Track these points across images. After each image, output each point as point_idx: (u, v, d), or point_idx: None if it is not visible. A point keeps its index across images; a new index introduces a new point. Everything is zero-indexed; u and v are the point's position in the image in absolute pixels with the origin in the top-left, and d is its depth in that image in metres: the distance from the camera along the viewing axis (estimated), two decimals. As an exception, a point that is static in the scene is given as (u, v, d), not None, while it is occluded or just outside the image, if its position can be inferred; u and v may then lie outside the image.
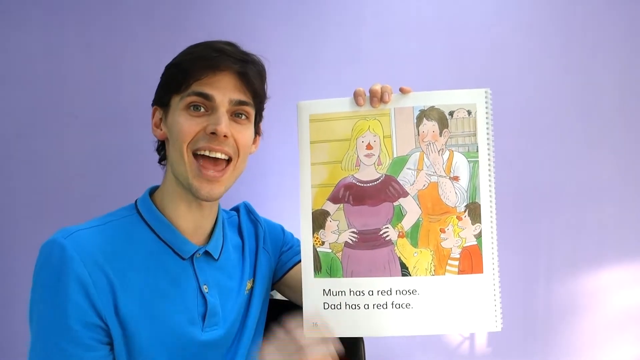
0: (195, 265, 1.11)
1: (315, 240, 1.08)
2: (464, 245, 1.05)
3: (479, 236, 1.05)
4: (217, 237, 1.17)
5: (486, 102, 1.05)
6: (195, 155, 1.05)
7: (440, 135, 1.05)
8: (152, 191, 1.15)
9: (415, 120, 1.05)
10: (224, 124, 1.04)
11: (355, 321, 1.06)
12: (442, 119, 1.05)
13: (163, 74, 1.12)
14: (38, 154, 1.43)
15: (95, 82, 1.44)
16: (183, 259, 1.09)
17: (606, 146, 1.56)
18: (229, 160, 1.08)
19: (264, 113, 1.19)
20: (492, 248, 1.05)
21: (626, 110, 1.57)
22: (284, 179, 1.57)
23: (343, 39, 1.65)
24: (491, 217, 1.05)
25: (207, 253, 1.13)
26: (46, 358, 0.96)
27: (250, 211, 1.33)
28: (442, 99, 1.05)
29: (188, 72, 1.05)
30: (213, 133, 1.03)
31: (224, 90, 1.05)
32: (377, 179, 1.07)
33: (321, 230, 1.08)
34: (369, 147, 1.07)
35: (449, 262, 1.05)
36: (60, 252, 0.96)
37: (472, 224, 1.05)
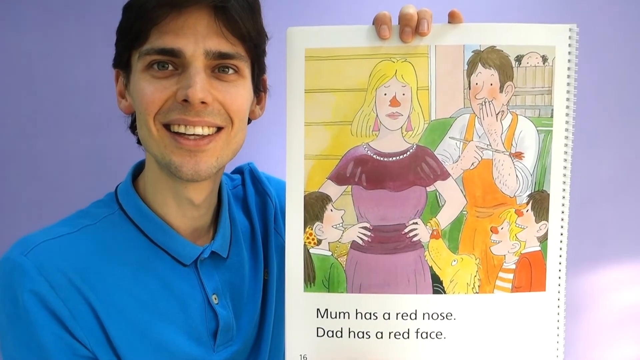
0: (201, 271, 0.84)
1: (308, 238, 0.74)
2: (523, 251, 0.73)
3: (544, 239, 0.73)
4: (224, 229, 0.88)
5: (570, 47, 0.71)
6: (168, 131, 0.76)
7: (501, 91, 0.71)
8: (136, 173, 0.87)
9: (466, 67, 0.70)
10: (199, 86, 0.72)
11: (362, 355, 0.74)
12: (506, 67, 0.70)
13: (119, 24, 0.80)
14: (38, 154, 1.45)
15: (95, 82, 1.41)
16: (184, 265, 0.83)
17: (606, 146, 1.50)
18: (219, 129, 0.77)
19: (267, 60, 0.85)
20: (560, 256, 0.74)
21: (626, 110, 1.49)
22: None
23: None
24: (562, 212, 0.73)
25: (213, 253, 0.86)
26: None
27: (256, 178, 1.01)
28: (508, 35, 0.70)
29: (143, 14, 0.73)
30: (185, 100, 0.72)
31: (195, 37, 0.73)
32: (405, 152, 0.72)
33: (317, 223, 0.74)
34: (394, 102, 0.71)
35: (500, 274, 0.73)
36: (20, 277, 0.73)
37: (537, 222, 0.73)
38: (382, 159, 0.72)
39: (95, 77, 1.38)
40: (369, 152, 0.72)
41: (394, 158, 0.72)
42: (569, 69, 0.71)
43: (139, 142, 0.82)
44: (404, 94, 0.71)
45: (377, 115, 0.72)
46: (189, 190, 0.80)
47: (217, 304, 0.85)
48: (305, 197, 0.73)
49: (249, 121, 0.85)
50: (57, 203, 1.42)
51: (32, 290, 0.72)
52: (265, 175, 1.02)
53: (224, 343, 0.85)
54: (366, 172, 0.72)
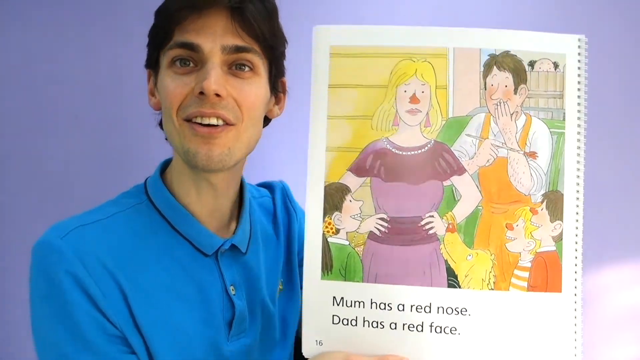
0: (221, 262, 0.88)
1: (327, 227, 0.76)
2: (539, 250, 0.74)
3: (559, 239, 0.74)
4: (245, 226, 0.92)
5: (579, 55, 0.76)
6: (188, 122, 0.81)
7: (515, 93, 0.75)
8: (164, 168, 0.92)
9: (482, 69, 0.75)
10: (213, 79, 0.77)
11: (375, 345, 0.74)
12: (519, 71, 0.75)
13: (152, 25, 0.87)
14: (38, 154, 1.43)
15: (95, 82, 1.41)
16: (206, 255, 0.87)
17: (606, 146, 1.47)
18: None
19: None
20: (576, 258, 0.74)
21: (627, 109, 1.48)
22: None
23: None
24: (577, 213, 0.75)
25: (233, 247, 0.89)
26: None
27: (288, 197, 1.08)
28: (521, 42, 0.75)
29: (169, 17, 0.81)
30: (202, 93, 0.78)
31: (213, 36, 0.79)
32: (424, 146, 0.75)
33: (336, 213, 0.76)
34: (414, 100, 0.75)
35: (516, 272, 0.74)
36: (57, 258, 0.77)
37: (551, 222, 0.74)
38: (400, 152, 0.75)
39: (96, 77, 1.39)
40: (388, 146, 0.75)
41: (413, 152, 0.75)
42: (579, 75, 0.75)
43: (167, 138, 0.86)
44: (423, 92, 0.75)
45: (397, 111, 0.75)
46: (210, 176, 0.84)
47: (235, 294, 0.88)
48: (325, 187, 0.76)
49: (269, 120, 0.91)
50: (58, 203, 1.42)
51: (68, 271, 0.76)
52: (294, 200, 1.08)
53: (237, 334, 0.88)
54: (385, 165, 0.75)
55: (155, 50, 0.85)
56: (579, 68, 0.75)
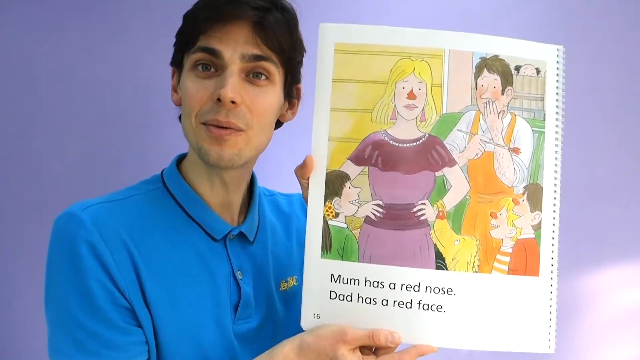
0: (229, 247, 0.94)
1: (327, 211, 0.82)
2: (519, 237, 0.81)
3: (537, 228, 0.82)
4: (253, 216, 0.99)
5: (557, 63, 0.83)
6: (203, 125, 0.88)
7: (503, 94, 0.82)
8: (180, 160, 0.98)
9: (474, 70, 0.82)
10: (230, 87, 0.83)
11: (368, 319, 0.79)
12: (507, 74, 0.82)
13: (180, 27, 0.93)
14: (38, 154, 1.43)
15: (95, 82, 1.41)
16: (215, 240, 0.93)
17: (607, 147, 1.51)
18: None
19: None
20: (553, 245, 0.82)
21: (627, 109, 1.52)
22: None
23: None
24: (554, 205, 0.82)
25: (241, 234, 0.96)
26: (75, 348, 0.80)
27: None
28: (509, 48, 0.82)
29: (195, 23, 0.87)
30: (219, 100, 0.84)
31: (235, 44, 0.85)
32: (418, 139, 0.82)
33: (336, 198, 0.82)
34: (411, 95, 0.82)
35: (498, 257, 0.81)
36: (77, 227, 0.82)
37: (531, 212, 0.82)
38: (397, 144, 0.82)
39: (97, 77, 1.40)
40: (385, 137, 0.82)
41: (408, 144, 0.82)
42: (557, 80, 0.83)
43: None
44: (420, 89, 0.82)
45: (395, 105, 0.82)
46: (221, 172, 0.91)
47: (241, 279, 0.93)
48: (327, 174, 0.82)
49: (281, 124, 0.97)
50: (58, 203, 1.33)
51: (86, 239, 0.81)
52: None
53: (243, 318, 0.93)
54: (382, 156, 0.81)
55: (180, 52, 0.91)
56: (557, 75, 0.83)
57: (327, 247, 0.81)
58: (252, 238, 0.97)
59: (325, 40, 0.82)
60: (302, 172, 0.83)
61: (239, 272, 0.93)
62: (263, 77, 0.87)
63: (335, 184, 0.82)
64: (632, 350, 1.50)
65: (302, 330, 0.82)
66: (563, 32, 1.49)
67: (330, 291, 0.81)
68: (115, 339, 0.81)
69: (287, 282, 1.02)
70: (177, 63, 0.93)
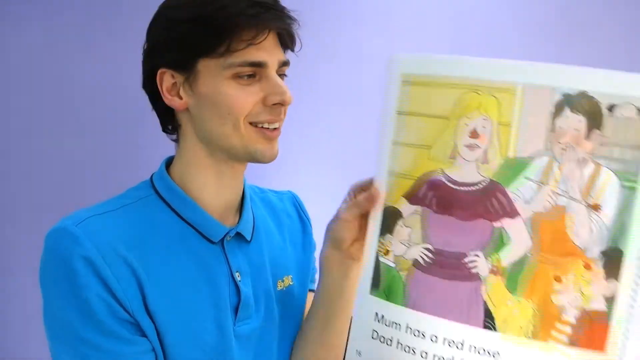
0: (226, 249, 0.95)
1: (380, 247, 0.79)
2: (586, 307, 0.70)
3: (611, 299, 0.70)
4: (247, 215, 1.00)
5: (670, 102, 0.67)
6: (254, 127, 0.91)
7: (587, 138, 0.69)
8: (168, 164, 0.98)
9: (552, 109, 0.70)
10: (289, 91, 0.89)
11: None
12: (595, 114, 0.68)
13: (172, 30, 0.88)
14: (38, 154, 1.46)
15: (95, 82, 1.44)
16: (212, 242, 0.94)
17: None
18: None
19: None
20: (629, 322, 0.70)
21: None
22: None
23: None
24: (637, 275, 0.69)
25: (238, 235, 0.97)
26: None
27: (300, 207, 1.17)
28: (603, 82, 0.68)
29: (225, 31, 0.85)
30: (279, 104, 0.89)
31: (271, 53, 0.89)
32: (477, 183, 0.73)
33: (387, 235, 0.78)
34: (474, 134, 0.73)
35: (557, 325, 0.71)
36: (71, 243, 0.81)
37: (606, 280, 0.70)
38: (454, 186, 0.74)
39: (96, 77, 1.39)
40: (442, 178, 0.74)
41: (466, 188, 0.74)
42: (667, 126, 0.67)
43: (172, 131, 0.95)
44: (484, 127, 0.72)
45: (455, 144, 0.74)
46: (235, 168, 0.95)
47: (240, 280, 0.95)
48: (384, 209, 0.78)
49: None
50: (58, 203, 1.40)
51: (83, 255, 0.81)
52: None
53: (243, 319, 0.95)
54: (437, 197, 0.75)
55: (191, 56, 0.87)
56: (669, 117, 0.67)
57: (376, 284, 0.79)
58: (249, 237, 0.98)
59: (393, 71, 0.77)
60: (368, 204, 0.81)
61: (237, 274, 0.94)
62: (284, 78, 0.94)
63: (388, 220, 0.78)
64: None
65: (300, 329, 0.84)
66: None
67: (373, 330, 0.79)
68: (121, 350, 0.82)
69: (283, 281, 1.03)
70: (183, 66, 0.88)
